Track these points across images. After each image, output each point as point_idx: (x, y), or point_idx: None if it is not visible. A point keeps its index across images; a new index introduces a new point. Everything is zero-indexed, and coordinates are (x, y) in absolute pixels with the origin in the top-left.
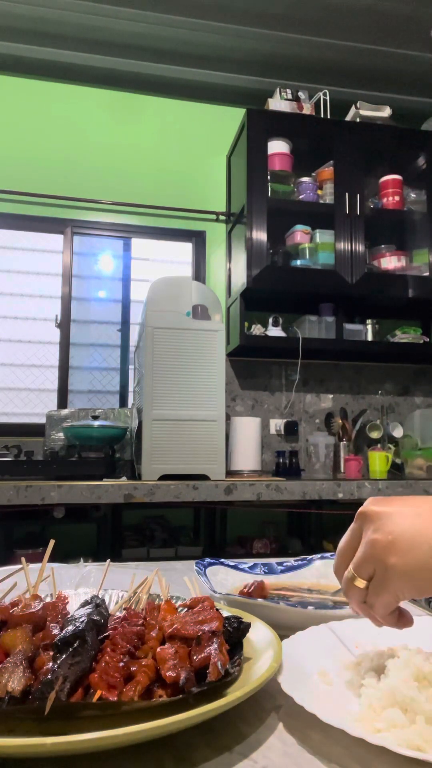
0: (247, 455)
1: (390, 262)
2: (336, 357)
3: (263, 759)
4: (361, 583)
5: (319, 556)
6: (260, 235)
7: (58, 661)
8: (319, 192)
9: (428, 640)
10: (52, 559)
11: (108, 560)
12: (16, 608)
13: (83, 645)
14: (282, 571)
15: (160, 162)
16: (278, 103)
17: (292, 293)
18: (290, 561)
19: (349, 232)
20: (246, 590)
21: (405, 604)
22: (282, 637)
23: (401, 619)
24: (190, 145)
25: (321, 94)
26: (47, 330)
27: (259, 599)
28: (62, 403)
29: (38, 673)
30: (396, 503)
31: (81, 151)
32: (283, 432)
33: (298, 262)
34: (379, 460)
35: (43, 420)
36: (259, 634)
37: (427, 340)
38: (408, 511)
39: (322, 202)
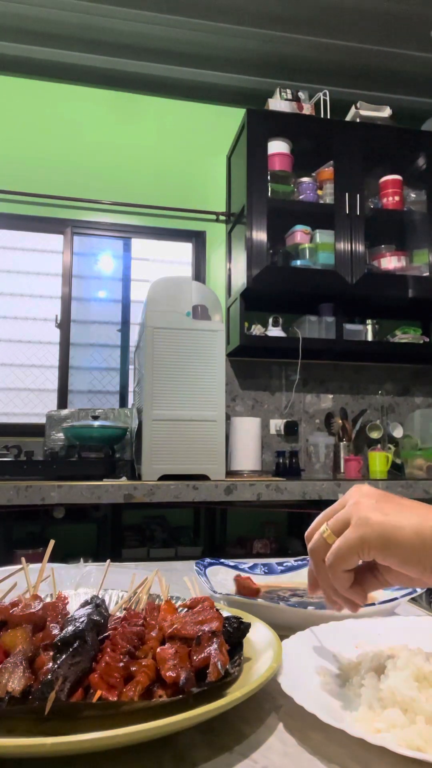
0: (247, 455)
1: (390, 262)
2: (336, 357)
3: (263, 759)
4: (331, 539)
5: None
6: (260, 235)
7: (58, 661)
8: (319, 192)
9: (428, 640)
10: (52, 559)
11: (108, 560)
12: (16, 608)
13: (83, 645)
14: (282, 571)
15: (160, 162)
16: (278, 103)
17: (292, 293)
18: (290, 561)
19: (349, 232)
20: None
21: (405, 606)
22: (282, 637)
23: (354, 588)
24: (190, 145)
25: (321, 94)
26: (47, 330)
27: (259, 599)
28: (62, 403)
29: (38, 673)
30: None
31: (81, 151)
32: (283, 432)
33: (298, 262)
34: (379, 461)
35: (43, 420)
36: (259, 635)
37: (427, 340)
38: (400, 498)
39: (322, 202)
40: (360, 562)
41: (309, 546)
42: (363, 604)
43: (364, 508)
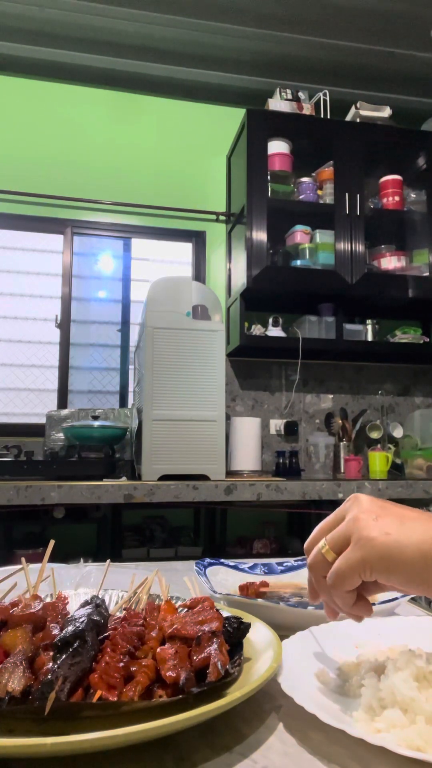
0: (247, 455)
1: (390, 262)
2: (336, 357)
3: (263, 759)
4: (330, 556)
5: None
6: (260, 235)
7: (58, 661)
8: (319, 192)
9: (428, 640)
10: (52, 560)
11: (108, 560)
12: (16, 608)
13: (83, 645)
14: (282, 571)
15: (160, 162)
16: (278, 104)
17: (292, 293)
18: (290, 561)
19: (349, 232)
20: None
21: (405, 606)
22: (282, 637)
23: (359, 605)
24: (190, 145)
25: (321, 94)
26: (47, 330)
27: (259, 599)
28: (62, 403)
29: (38, 673)
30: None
31: (81, 151)
32: (283, 432)
33: (298, 262)
34: (379, 461)
35: (43, 420)
36: (259, 635)
37: (427, 340)
38: (400, 509)
39: (322, 202)
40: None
41: (308, 561)
42: (368, 616)
43: (364, 526)
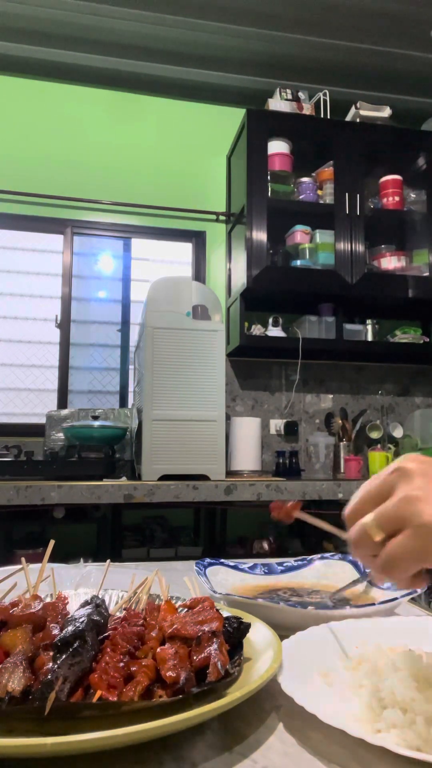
0: (247, 455)
1: (390, 262)
2: (336, 357)
3: (263, 759)
4: (378, 536)
5: (318, 556)
6: (260, 235)
7: (58, 662)
8: (319, 192)
9: (428, 640)
10: (52, 560)
11: (108, 560)
12: (16, 608)
13: (83, 645)
14: (282, 572)
15: (160, 162)
16: (278, 104)
17: (292, 293)
18: (290, 561)
19: (349, 232)
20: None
21: (405, 606)
22: (282, 637)
23: (414, 580)
24: (190, 145)
25: (321, 94)
26: (47, 330)
27: (259, 600)
28: (62, 403)
29: (38, 673)
30: None
31: (81, 151)
32: (283, 432)
33: (298, 262)
34: (379, 461)
35: (43, 420)
36: (259, 635)
37: (427, 340)
38: None
39: (322, 202)
40: None
41: (352, 536)
42: (421, 587)
43: (422, 511)
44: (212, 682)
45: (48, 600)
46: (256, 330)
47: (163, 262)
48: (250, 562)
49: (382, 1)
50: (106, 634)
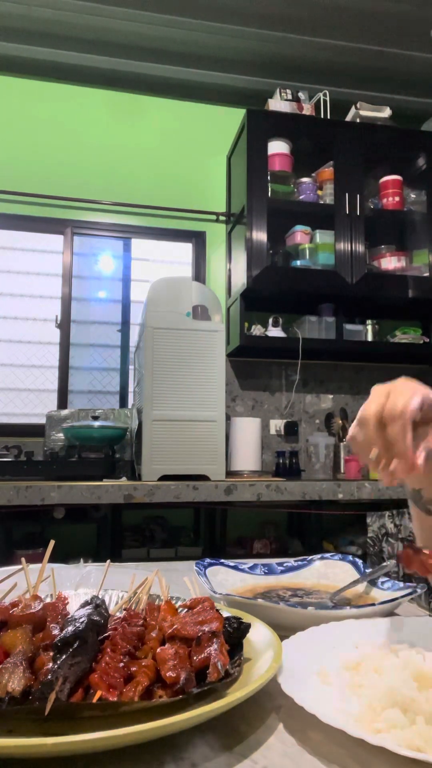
0: (247, 456)
1: (390, 262)
2: (336, 357)
3: (263, 759)
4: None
5: (319, 556)
6: (260, 236)
7: (58, 662)
8: (319, 192)
9: (428, 640)
10: (52, 560)
11: (108, 561)
12: (16, 608)
13: (83, 645)
14: (282, 572)
15: (160, 162)
16: (278, 104)
17: (292, 293)
18: (290, 561)
19: (349, 233)
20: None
21: (405, 606)
22: (282, 637)
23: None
24: (190, 145)
25: (321, 94)
26: (47, 330)
27: (259, 600)
28: (62, 403)
29: (38, 673)
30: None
31: (81, 151)
32: (283, 432)
33: (298, 263)
34: None
35: (43, 420)
36: (259, 635)
37: (427, 340)
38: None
39: (322, 202)
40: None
41: (358, 417)
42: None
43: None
44: (212, 683)
45: (48, 600)
46: (256, 330)
47: (163, 262)
48: (250, 562)
49: (382, 1)
50: (106, 634)
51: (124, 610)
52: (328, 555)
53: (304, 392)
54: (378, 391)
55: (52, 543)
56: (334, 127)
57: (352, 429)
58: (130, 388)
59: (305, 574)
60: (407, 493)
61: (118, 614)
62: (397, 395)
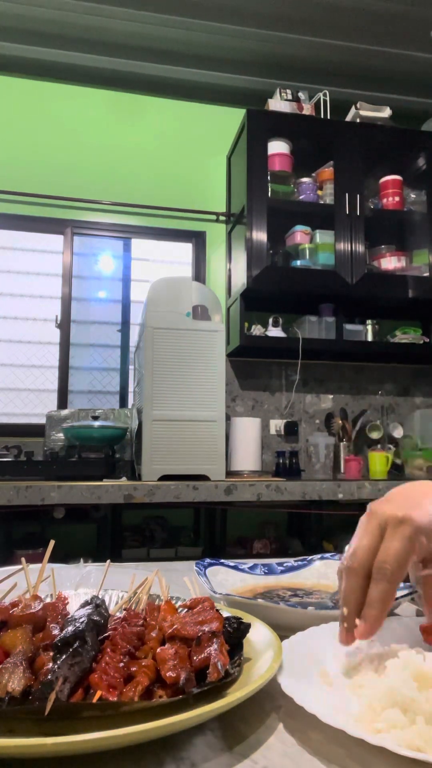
0: (247, 456)
1: (390, 262)
2: (336, 357)
3: (263, 759)
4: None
5: (319, 556)
6: (260, 236)
7: (58, 662)
8: (319, 192)
9: None
10: (52, 560)
11: (108, 561)
12: (16, 608)
13: (83, 645)
14: (282, 572)
15: (160, 162)
16: (278, 104)
17: (292, 293)
18: (290, 561)
19: (349, 233)
20: None
21: (405, 606)
22: (282, 637)
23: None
24: (190, 145)
25: (321, 94)
26: (47, 330)
27: (259, 600)
28: (62, 403)
29: (38, 673)
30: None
31: (81, 151)
32: (283, 432)
33: (298, 263)
34: (379, 461)
35: (43, 420)
36: (259, 635)
37: (427, 340)
38: (400, 491)
39: (322, 202)
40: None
41: (347, 565)
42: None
43: (389, 509)
44: (212, 683)
45: (48, 600)
46: (256, 330)
47: (163, 262)
48: (250, 562)
49: (382, 1)
50: (106, 634)
51: (124, 610)
52: (328, 555)
53: (304, 392)
54: (371, 522)
55: (52, 543)
56: (334, 127)
57: (341, 565)
58: (130, 388)
59: (305, 574)
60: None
61: (118, 614)
62: (390, 540)
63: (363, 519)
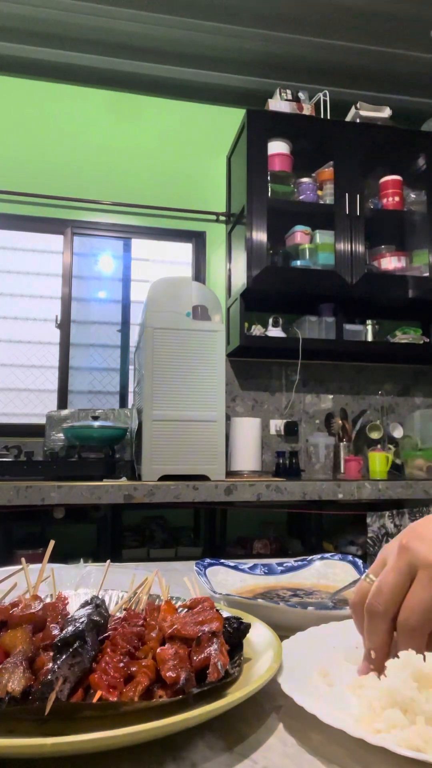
0: (247, 456)
1: (390, 262)
2: (336, 357)
3: (263, 759)
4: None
5: (318, 556)
6: (260, 236)
7: (58, 662)
8: (319, 192)
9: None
10: (52, 560)
11: (108, 561)
12: (16, 609)
13: (83, 645)
14: (282, 572)
15: (160, 162)
16: (278, 104)
17: (292, 294)
18: (290, 561)
19: (349, 233)
20: None
21: None
22: (282, 637)
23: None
24: (190, 145)
25: (321, 94)
26: (47, 330)
27: (259, 600)
28: (62, 403)
29: (38, 673)
30: None
31: (81, 151)
32: (283, 432)
33: (298, 263)
34: (379, 461)
35: (43, 420)
36: (259, 635)
37: (427, 340)
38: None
39: (322, 202)
40: None
41: (370, 604)
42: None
43: (423, 552)
44: (212, 683)
45: (48, 600)
46: (256, 330)
47: (163, 262)
48: (250, 562)
49: (382, 1)
50: (106, 634)
51: (124, 610)
52: (328, 555)
53: (304, 392)
54: (399, 561)
55: (52, 543)
56: (334, 127)
57: (358, 602)
58: (130, 388)
59: (305, 574)
60: None
61: (118, 614)
62: (418, 591)
63: (392, 551)
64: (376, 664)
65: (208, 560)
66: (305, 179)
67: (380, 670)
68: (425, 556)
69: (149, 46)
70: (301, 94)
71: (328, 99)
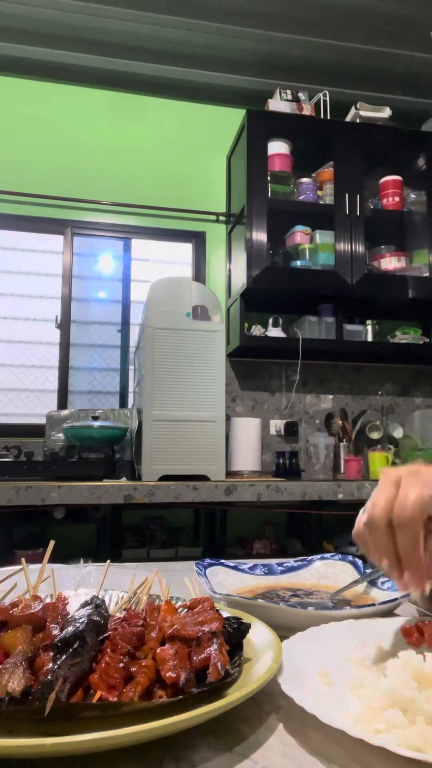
0: (247, 456)
1: (390, 262)
2: (336, 357)
3: (263, 759)
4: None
5: (318, 556)
6: (260, 236)
7: (58, 662)
8: (319, 192)
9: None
10: (52, 560)
11: (108, 561)
12: (16, 609)
13: (83, 645)
14: (282, 572)
15: (160, 163)
16: (278, 104)
17: (292, 294)
18: (290, 562)
19: (349, 233)
20: None
21: (405, 606)
22: (282, 637)
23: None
24: (190, 145)
25: (321, 94)
26: (47, 331)
27: (259, 600)
28: (62, 403)
29: (38, 673)
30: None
31: (81, 151)
32: (283, 432)
33: (298, 263)
34: (379, 461)
35: (43, 420)
36: (259, 635)
37: (427, 340)
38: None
39: (322, 202)
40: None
41: (367, 518)
42: None
43: (403, 468)
44: (212, 683)
45: (48, 600)
46: (256, 330)
47: (163, 262)
48: (250, 562)
49: (382, 1)
50: (106, 634)
51: (124, 610)
52: (328, 555)
53: (304, 392)
54: (386, 479)
55: (52, 543)
56: (334, 128)
57: (361, 526)
58: (130, 389)
59: (305, 574)
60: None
61: (118, 614)
62: (407, 489)
63: (378, 483)
64: (394, 575)
65: (208, 560)
66: (305, 179)
67: (400, 579)
68: (406, 468)
69: (149, 46)
70: (301, 95)
71: (328, 99)
